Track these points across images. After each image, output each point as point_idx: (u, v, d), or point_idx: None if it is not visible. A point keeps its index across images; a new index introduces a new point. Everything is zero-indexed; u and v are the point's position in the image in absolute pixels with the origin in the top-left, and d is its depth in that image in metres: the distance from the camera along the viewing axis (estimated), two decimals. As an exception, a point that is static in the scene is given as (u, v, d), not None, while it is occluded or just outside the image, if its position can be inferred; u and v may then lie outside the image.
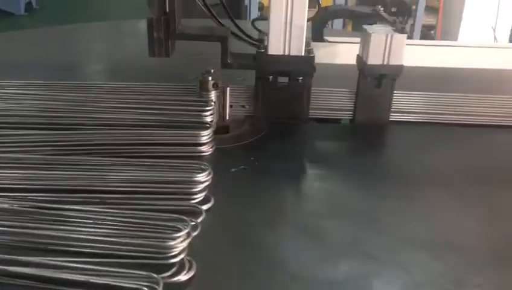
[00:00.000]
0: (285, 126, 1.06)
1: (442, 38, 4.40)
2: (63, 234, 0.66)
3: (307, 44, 1.03)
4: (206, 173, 0.81)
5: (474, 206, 0.82)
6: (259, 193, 0.84)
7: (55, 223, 0.68)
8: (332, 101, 1.09)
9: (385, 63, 1.01)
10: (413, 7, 4.39)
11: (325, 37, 1.51)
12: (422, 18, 4.24)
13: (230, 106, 1.06)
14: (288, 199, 0.84)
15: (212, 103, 0.99)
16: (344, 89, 1.09)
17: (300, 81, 1.03)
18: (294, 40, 0.99)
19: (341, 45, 1.52)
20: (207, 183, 0.80)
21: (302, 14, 0.98)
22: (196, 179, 0.80)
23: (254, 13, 3.94)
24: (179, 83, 1.13)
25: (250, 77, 1.07)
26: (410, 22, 4.51)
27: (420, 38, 4.37)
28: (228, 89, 1.05)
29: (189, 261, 0.63)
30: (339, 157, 1.00)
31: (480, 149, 1.02)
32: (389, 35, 1.00)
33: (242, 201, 0.81)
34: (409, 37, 4.54)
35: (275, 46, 1.00)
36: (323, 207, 0.81)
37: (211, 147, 0.93)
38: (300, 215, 0.79)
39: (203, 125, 0.96)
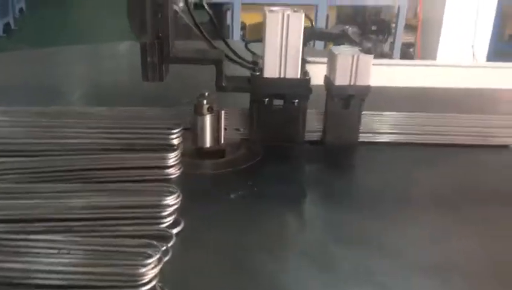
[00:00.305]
0: (280, 149, 1.05)
1: (422, 56, 4.48)
2: (27, 266, 0.62)
3: (302, 66, 1.02)
4: (175, 195, 0.79)
5: (467, 226, 0.81)
6: (256, 218, 0.82)
7: (17, 255, 0.64)
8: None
9: (352, 83, 1.01)
10: (393, 25, 4.48)
11: (306, 58, 1.50)
12: (401, 36, 4.31)
13: (225, 129, 1.05)
14: (287, 224, 0.82)
15: (180, 126, 0.97)
16: (312, 110, 1.07)
17: (296, 104, 1.02)
18: (289, 63, 0.99)
19: (312, 65, 1.52)
20: (176, 206, 0.77)
21: (298, 36, 0.97)
22: (165, 202, 0.77)
23: (237, 33, 3.96)
24: (171, 106, 1.11)
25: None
26: (390, 39, 4.60)
27: (400, 56, 4.44)
28: (223, 112, 1.03)
29: (161, 288, 0.61)
30: (334, 179, 0.98)
31: (457, 169, 1.02)
32: (355, 56, 1.00)
33: (238, 226, 0.79)
34: (389, 55, 4.62)
35: (271, 69, 0.99)
36: (323, 232, 0.79)
37: (178, 169, 0.92)
38: (301, 241, 0.77)
39: (171, 148, 0.94)
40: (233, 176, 0.94)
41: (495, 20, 4.43)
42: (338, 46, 1.07)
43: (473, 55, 4.23)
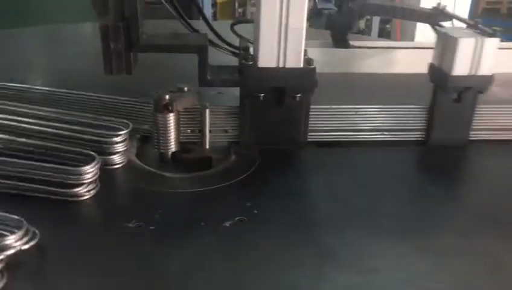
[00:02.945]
0: (280, 153, 0.86)
1: (401, 33, 4.32)
2: None
3: (305, 52, 0.82)
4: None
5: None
6: (260, 258, 0.61)
7: None
8: (401, 120, 0.91)
9: (472, 73, 0.84)
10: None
11: (351, 42, 1.26)
12: (379, 12, 4.13)
13: (209, 131, 0.85)
14: (303, 266, 0.60)
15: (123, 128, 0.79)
16: (414, 106, 0.91)
17: (298, 98, 0.83)
18: (291, 49, 0.79)
19: (398, 51, 1.33)
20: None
21: (301, 14, 0.77)
22: None
23: (208, 11, 3.70)
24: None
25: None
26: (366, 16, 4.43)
27: (378, 33, 4.28)
28: (207, 111, 0.83)
29: None
30: (367, 196, 0.76)
31: None
32: (479, 40, 0.82)
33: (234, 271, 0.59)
34: (366, 32, 4.44)
35: (267, 57, 0.79)
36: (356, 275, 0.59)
37: (92, 190, 0.71)
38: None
39: (88, 158, 0.73)
40: (226, 193, 0.75)
41: (472, -6, 4.29)
42: (446, 28, 0.89)
43: (452, 31, 4.09)
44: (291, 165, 0.85)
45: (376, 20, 4.07)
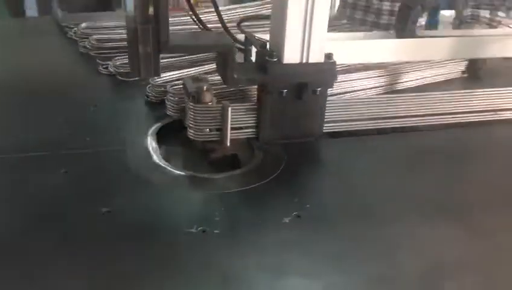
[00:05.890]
0: (300, 146, 0.88)
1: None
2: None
3: (323, 47, 0.85)
4: None
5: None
6: (339, 249, 0.64)
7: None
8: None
9: None
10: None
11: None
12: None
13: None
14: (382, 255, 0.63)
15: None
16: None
17: (318, 92, 0.85)
18: (314, 44, 0.81)
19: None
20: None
21: (325, 10, 0.79)
22: None
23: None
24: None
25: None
26: None
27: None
28: (230, 108, 0.83)
29: None
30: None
31: None
32: None
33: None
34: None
35: (291, 54, 0.81)
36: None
37: None
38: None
39: None
40: (268, 191, 0.75)
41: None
42: None
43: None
44: (317, 158, 0.87)
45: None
